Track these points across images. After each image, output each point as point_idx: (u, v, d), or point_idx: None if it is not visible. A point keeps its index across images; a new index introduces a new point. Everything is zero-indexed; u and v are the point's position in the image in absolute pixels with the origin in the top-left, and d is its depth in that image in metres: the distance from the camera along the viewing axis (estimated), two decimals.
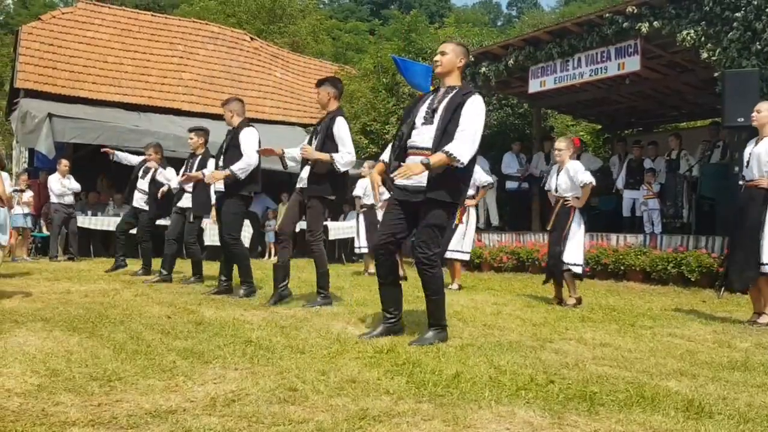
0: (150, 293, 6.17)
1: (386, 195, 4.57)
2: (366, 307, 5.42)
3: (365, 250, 9.20)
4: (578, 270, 6.07)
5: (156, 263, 7.94)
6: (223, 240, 6.26)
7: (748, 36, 7.61)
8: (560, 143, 6.29)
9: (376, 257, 4.23)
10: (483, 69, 11.07)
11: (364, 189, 9.02)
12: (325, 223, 12.54)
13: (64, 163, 10.86)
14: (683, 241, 8.54)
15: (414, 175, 3.76)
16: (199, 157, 7.34)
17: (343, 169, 5.32)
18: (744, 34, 7.63)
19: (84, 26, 16.10)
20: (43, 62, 14.27)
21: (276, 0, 32.41)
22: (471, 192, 7.46)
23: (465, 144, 3.77)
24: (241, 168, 5.91)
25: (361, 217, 9.37)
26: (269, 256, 13.28)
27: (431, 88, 10.90)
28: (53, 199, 10.76)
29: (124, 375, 2.96)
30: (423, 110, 4.02)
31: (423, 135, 3.95)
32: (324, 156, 5.27)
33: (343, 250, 13.13)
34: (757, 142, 5.17)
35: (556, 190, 6.20)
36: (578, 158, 11.41)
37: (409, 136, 4.02)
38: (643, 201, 10.55)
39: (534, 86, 10.63)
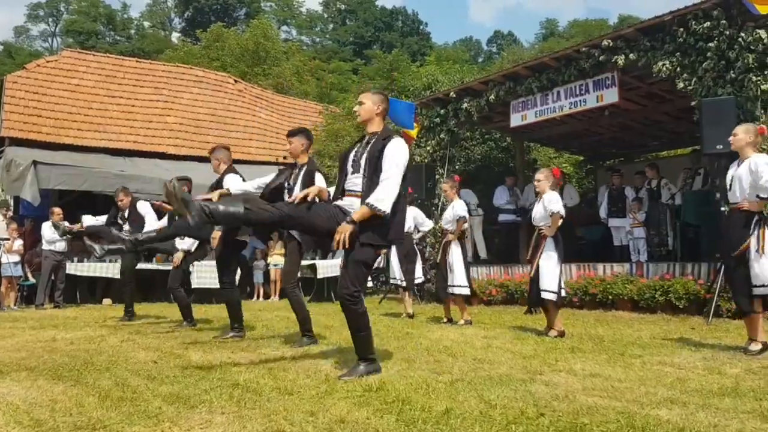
0: (136, 338, 6.10)
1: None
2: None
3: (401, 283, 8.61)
4: (551, 297, 6.12)
5: (140, 307, 7.86)
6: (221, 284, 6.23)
7: (722, 65, 7.78)
8: (539, 174, 6.44)
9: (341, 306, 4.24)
10: (465, 105, 11.21)
11: None
12: (313, 261, 12.52)
13: (57, 212, 10.85)
14: (669, 269, 8.59)
15: (347, 234, 3.87)
16: None
17: None
18: (718, 63, 7.79)
19: (69, 74, 16.23)
20: (27, 110, 14.34)
21: (259, 43, 32.84)
22: (450, 227, 7.51)
23: (386, 193, 3.92)
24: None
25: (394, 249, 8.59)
26: (257, 297, 13.20)
27: (415, 126, 11.19)
28: (44, 246, 10.71)
29: (109, 423, 2.91)
30: (350, 159, 4.25)
31: (354, 181, 4.17)
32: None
33: (332, 288, 13.07)
34: (738, 165, 5.23)
35: (532, 221, 6.40)
36: (562, 189, 11.66)
37: (344, 183, 4.24)
38: (629, 230, 10.64)
39: (515, 120, 10.76)
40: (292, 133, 5.72)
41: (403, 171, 4.03)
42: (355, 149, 4.29)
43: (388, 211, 3.92)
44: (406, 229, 8.47)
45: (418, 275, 8.67)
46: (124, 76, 17.21)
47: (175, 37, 54.40)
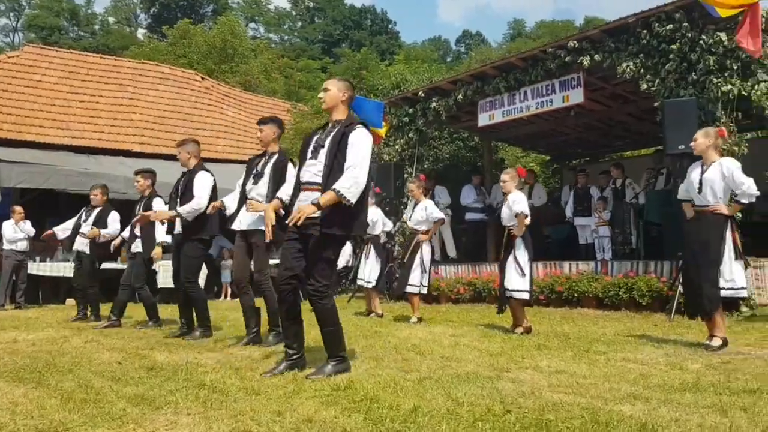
0: (101, 339, 6.01)
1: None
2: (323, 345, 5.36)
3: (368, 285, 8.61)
4: (524, 296, 6.19)
5: (104, 308, 7.75)
6: (181, 283, 6.15)
7: (684, 67, 7.93)
8: (505, 175, 6.49)
9: (278, 294, 4.21)
10: (433, 104, 11.26)
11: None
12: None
13: (18, 210, 10.63)
14: (633, 267, 8.73)
15: (307, 215, 3.84)
16: (145, 199, 7.26)
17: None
18: (680, 65, 7.94)
19: (31, 70, 15.89)
20: None
21: (227, 40, 32.54)
22: (424, 227, 7.56)
23: (353, 182, 3.86)
24: (188, 211, 5.88)
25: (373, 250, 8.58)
26: (225, 296, 13.09)
27: (384, 125, 11.20)
28: (5, 245, 10.48)
29: (71, 425, 2.86)
30: (311, 147, 4.17)
31: (311, 170, 4.09)
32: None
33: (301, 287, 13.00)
34: (703, 168, 5.29)
35: (501, 221, 6.45)
36: (531, 188, 11.79)
37: (302, 173, 4.16)
38: (594, 229, 10.80)
39: (483, 120, 10.84)
40: (262, 121, 5.67)
41: (368, 160, 3.98)
42: (317, 136, 4.22)
43: (354, 200, 3.87)
44: (377, 231, 8.50)
45: (366, 279, 8.51)
46: (87, 73, 16.91)
47: (140, 33, 53.56)
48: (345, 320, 7.83)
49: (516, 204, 6.16)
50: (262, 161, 5.54)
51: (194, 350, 5.19)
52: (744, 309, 7.35)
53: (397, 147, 12.17)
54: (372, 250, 8.47)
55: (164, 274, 11.06)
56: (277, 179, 5.37)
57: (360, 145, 3.97)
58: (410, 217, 7.76)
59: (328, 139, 4.07)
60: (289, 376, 3.97)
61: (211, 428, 2.80)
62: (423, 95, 11.50)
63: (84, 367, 4.43)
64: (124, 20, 56.86)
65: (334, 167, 3.95)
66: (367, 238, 8.47)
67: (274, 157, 5.50)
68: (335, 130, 4.09)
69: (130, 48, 37.42)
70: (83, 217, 8.24)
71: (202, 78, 19.87)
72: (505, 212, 6.35)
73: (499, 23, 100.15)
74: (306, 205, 3.87)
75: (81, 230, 8.13)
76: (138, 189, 7.41)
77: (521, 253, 6.23)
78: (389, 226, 8.89)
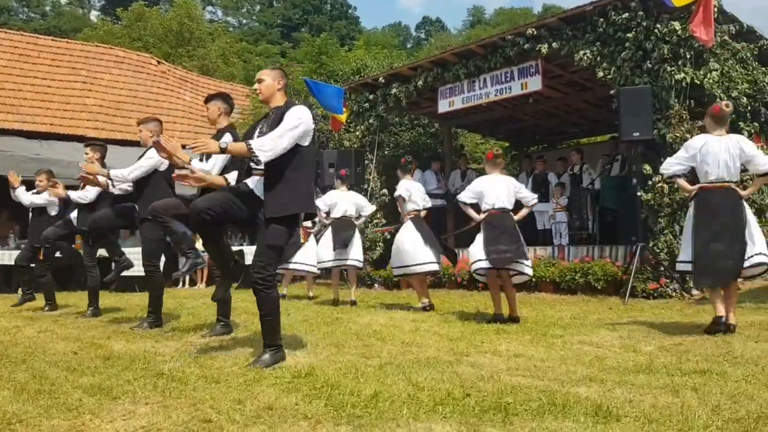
0: (55, 329, 5.87)
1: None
2: (283, 332, 5.34)
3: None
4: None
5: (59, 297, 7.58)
6: (143, 266, 5.99)
7: (639, 55, 8.08)
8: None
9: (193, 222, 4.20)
10: (394, 90, 11.24)
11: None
12: (241, 247, 12.31)
13: None
14: (589, 252, 8.92)
15: (209, 150, 3.87)
16: None
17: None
18: (635, 54, 8.09)
19: None
20: None
21: (183, 23, 31.90)
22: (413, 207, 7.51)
23: (270, 143, 3.84)
24: (117, 176, 5.82)
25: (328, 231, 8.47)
26: (183, 284, 12.91)
27: (344, 110, 11.15)
28: None
29: (25, 417, 2.80)
30: (256, 133, 4.15)
31: None
32: (219, 180, 5.09)
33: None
34: (714, 142, 5.10)
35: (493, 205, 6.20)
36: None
37: (249, 159, 4.10)
38: (551, 214, 10.96)
39: (443, 106, 10.88)
40: (208, 99, 5.50)
41: (297, 132, 3.91)
42: (260, 126, 4.22)
43: (263, 159, 3.82)
44: (347, 214, 8.34)
45: (358, 258, 8.32)
46: (39, 56, 16.39)
47: (93, 15, 52.09)
48: (305, 307, 7.84)
49: (523, 190, 6.28)
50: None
51: (152, 339, 5.11)
52: None
53: (357, 133, 12.14)
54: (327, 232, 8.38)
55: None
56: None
57: (290, 117, 3.93)
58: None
59: (267, 125, 4.08)
60: (249, 363, 3.93)
61: (170, 417, 2.77)
62: (383, 81, 11.47)
63: (38, 357, 4.33)
64: (76, 1, 55.16)
65: None
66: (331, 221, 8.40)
67: (225, 134, 5.32)
68: (274, 114, 4.09)
69: (83, 30, 36.42)
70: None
71: (159, 62, 19.45)
72: (503, 194, 6.14)
73: (458, 10, 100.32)
74: (210, 141, 3.90)
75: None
76: (87, 162, 7.24)
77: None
78: (369, 209, 8.64)
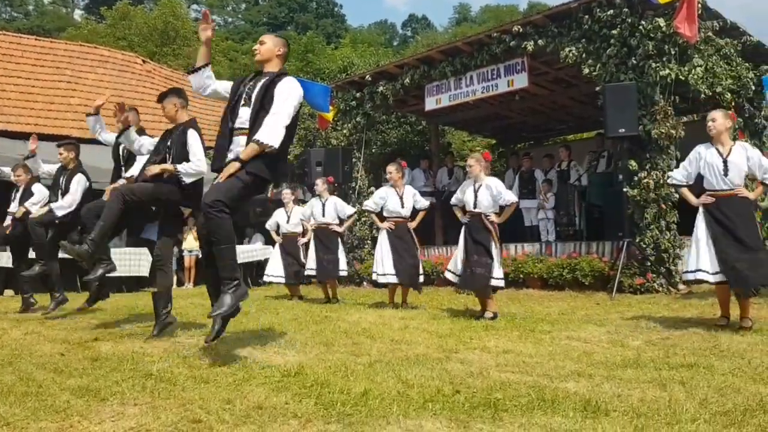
0: (42, 330, 5.81)
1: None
2: (273, 331, 5.35)
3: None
4: (502, 284, 6.20)
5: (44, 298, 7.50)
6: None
7: (625, 52, 8.13)
8: (471, 159, 6.37)
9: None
10: (380, 88, 11.24)
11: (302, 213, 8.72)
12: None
13: None
14: (576, 248, 8.96)
15: (235, 172, 3.89)
16: (69, 172, 7.06)
17: (188, 180, 4.99)
18: (621, 50, 8.13)
19: None
20: None
21: (168, 22, 31.74)
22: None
23: (274, 128, 3.90)
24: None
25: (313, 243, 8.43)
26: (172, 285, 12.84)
27: (331, 109, 11.13)
28: None
29: (12, 420, 2.77)
30: (243, 94, 4.16)
31: (243, 117, 4.10)
32: (169, 168, 5.02)
33: (249, 273, 12.88)
34: (721, 151, 5.09)
35: (476, 207, 6.16)
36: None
37: (232, 118, 4.14)
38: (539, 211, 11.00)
39: (430, 104, 10.90)
40: (161, 98, 5.45)
41: (293, 110, 4.00)
42: (248, 84, 4.20)
43: (276, 145, 3.88)
44: (328, 220, 8.30)
45: (342, 267, 8.34)
46: (22, 55, 16.23)
47: (77, 14, 51.68)
48: (295, 306, 7.83)
49: (508, 194, 6.12)
50: (172, 135, 5.25)
51: (140, 340, 5.08)
52: None
53: (344, 131, 12.13)
54: (312, 242, 8.35)
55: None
56: (178, 149, 5.09)
57: (286, 92, 3.99)
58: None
59: (257, 86, 4.09)
60: (237, 363, 3.92)
61: (159, 418, 2.75)
62: (370, 79, 11.47)
63: (25, 359, 4.28)
64: (59, 1, 54.68)
65: (260, 113, 3.98)
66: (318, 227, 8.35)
67: (180, 129, 5.22)
68: (265, 78, 4.11)
69: (67, 30, 36.18)
70: (12, 198, 7.94)
71: (144, 61, 19.34)
72: (485, 198, 6.11)
73: (444, 7, 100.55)
74: (231, 165, 3.91)
75: (10, 211, 7.84)
76: (62, 161, 7.22)
77: (496, 241, 6.11)
78: (350, 211, 8.55)
